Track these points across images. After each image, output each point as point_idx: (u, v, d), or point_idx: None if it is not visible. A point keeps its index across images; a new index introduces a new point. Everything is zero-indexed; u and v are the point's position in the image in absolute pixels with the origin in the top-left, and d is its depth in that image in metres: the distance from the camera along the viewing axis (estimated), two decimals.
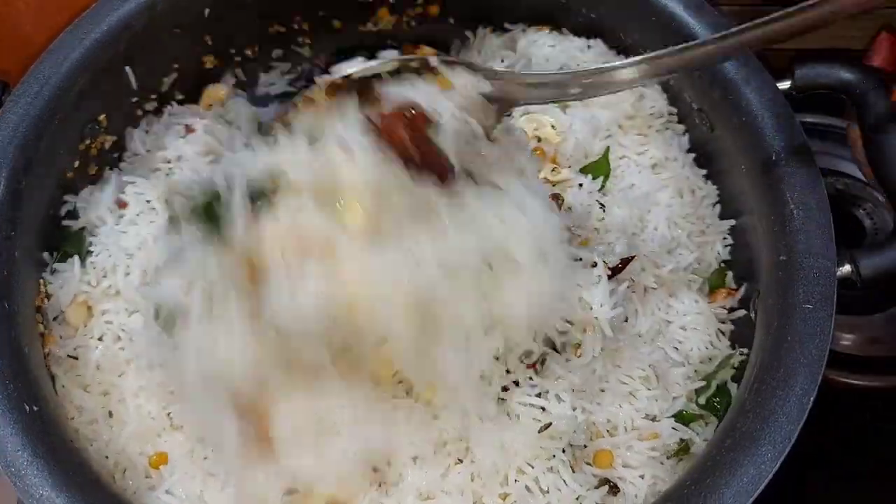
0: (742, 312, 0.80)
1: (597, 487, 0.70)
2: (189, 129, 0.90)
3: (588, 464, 0.72)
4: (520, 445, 0.69)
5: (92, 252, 0.81)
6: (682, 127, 0.91)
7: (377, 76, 0.66)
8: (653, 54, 0.66)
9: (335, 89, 0.65)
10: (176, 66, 0.92)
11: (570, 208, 0.83)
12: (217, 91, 0.96)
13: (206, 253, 0.61)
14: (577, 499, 0.69)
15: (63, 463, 0.63)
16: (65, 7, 0.84)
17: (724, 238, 0.85)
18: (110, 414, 0.75)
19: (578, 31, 0.94)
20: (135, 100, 0.90)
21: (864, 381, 1.00)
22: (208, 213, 0.62)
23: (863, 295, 1.06)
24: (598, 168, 0.87)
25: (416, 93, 0.64)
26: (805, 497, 0.95)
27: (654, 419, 0.74)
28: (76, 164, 0.83)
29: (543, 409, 0.70)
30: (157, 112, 0.92)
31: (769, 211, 0.75)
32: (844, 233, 0.74)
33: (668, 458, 0.73)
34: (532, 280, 0.63)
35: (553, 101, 0.81)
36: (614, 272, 0.76)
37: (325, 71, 0.67)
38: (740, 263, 0.83)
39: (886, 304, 1.06)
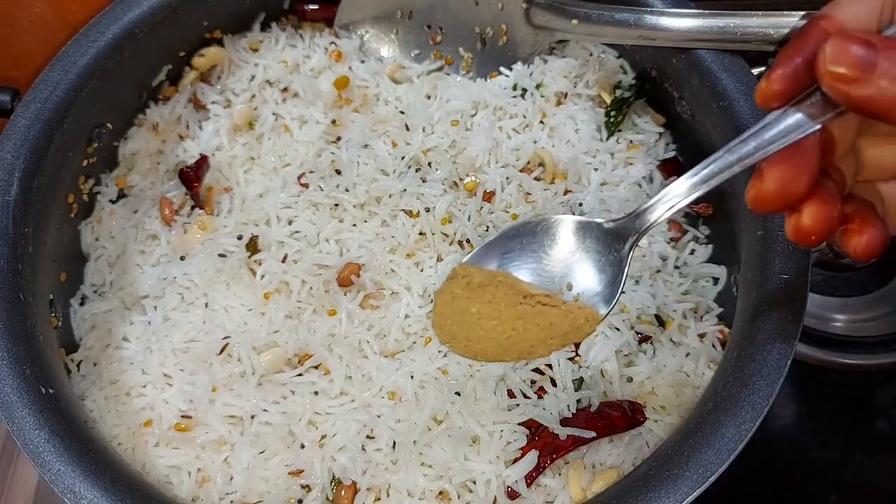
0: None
1: None
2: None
3: None
4: None
5: None
6: None
7: None
8: None
9: None
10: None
11: None
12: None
13: None
14: None
15: (78, 440, 0.66)
16: (65, 24, 0.88)
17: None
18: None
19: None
20: (138, 105, 0.94)
21: (855, 361, 1.02)
22: None
23: (853, 276, 1.09)
24: None
25: None
26: (803, 472, 0.97)
27: None
28: (84, 163, 0.87)
29: None
30: None
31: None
32: None
33: None
34: None
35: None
36: None
37: None
38: (723, 241, 0.86)
39: (876, 285, 1.09)
